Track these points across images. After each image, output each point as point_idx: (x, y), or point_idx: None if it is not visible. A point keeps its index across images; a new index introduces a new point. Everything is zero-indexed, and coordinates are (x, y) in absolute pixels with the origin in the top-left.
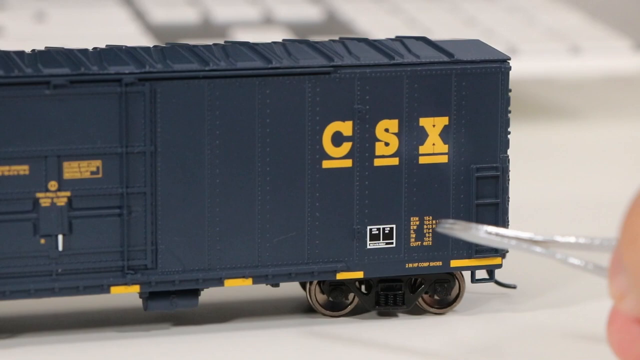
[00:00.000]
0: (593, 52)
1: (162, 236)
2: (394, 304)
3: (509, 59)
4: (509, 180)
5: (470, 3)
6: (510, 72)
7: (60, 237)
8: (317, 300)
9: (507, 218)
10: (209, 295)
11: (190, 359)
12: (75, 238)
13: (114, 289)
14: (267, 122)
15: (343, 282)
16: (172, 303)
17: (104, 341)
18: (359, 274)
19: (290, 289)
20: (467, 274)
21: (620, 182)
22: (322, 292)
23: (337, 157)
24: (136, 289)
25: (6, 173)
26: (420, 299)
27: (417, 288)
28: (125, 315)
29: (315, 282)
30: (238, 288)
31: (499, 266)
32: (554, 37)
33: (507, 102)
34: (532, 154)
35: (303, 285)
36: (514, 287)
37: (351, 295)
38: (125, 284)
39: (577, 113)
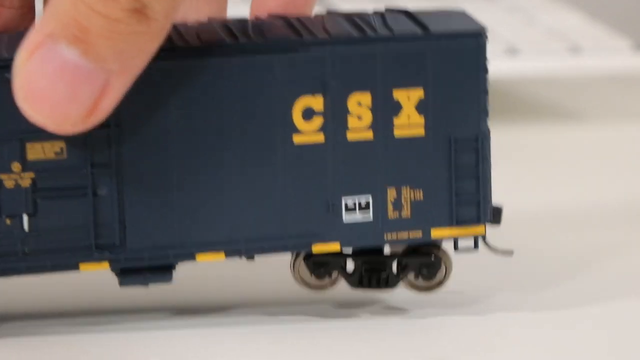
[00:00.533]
0: (593, 52)
1: (130, 213)
2: (377, 285)
3: (485, 31)
4: (489, 151)
5: (470, 3)
6: (510, 71)
7: (25, 218)
8: (301, 276)
9: (489, 189)
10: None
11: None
12: (41, 218)
13: (83, 266)
14: (236, 98)
15: (327, 261)
16: (145, 279)
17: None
18: (335, 246)
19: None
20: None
21: (620, 182)
22: (307, 269)
23: (308, 132)
24: (105, 266)
25: None
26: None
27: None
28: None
29: (300, 258)
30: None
31: (483, 236)
32: (554, 37)
33: (485, 72)
34: (531, 154)
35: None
36: (510, 253)
37: (335, 273)
38: (94, 261)
39: (577, 113)
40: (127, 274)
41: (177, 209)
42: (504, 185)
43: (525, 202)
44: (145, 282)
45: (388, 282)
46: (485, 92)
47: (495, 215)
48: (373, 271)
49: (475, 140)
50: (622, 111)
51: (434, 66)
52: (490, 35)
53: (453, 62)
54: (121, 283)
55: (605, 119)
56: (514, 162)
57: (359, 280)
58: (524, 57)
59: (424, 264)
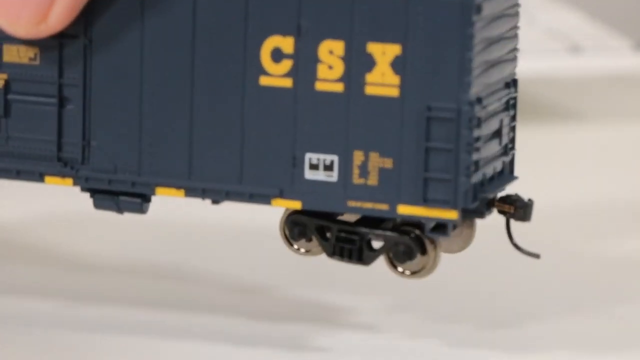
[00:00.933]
0: (593, 52)
1: (95, 132)
2: (349, 257)
3: None
4: (471, 125)
5: None
6: None
7: None
8: (285, 233)
9: (469, 169)
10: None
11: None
12: (12, 122)
13: (48, 179)
14: (208, 30)
15: (304, 222)
16: (118, 204)
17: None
18: (297, 204)
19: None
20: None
21: (620, 182)
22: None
23: (276, 75)
24: (69, 182)
25: None
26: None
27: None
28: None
29: (286, 214)
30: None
31: (454, 221)
32: (554, 37)
33: (470, 38)
34: (531, 154)
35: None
36: (537, 256)
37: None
38: (58, 175)
39: (577, 113)
40: (101, 196)
41: (142, 137)
42: None
43: None
44: (118, 208)
45: (361, 257)
46: (469, 58)
47: (521, 210)
48: (346, 241)
49: (452, 111)
50: (622, 111)
51: (414, 22)
52: None
53: (436, 20)
54: (95, 205)
55: (605, 119)
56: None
57: (333, 249)
58: (524, 57)
59: (398, 242)
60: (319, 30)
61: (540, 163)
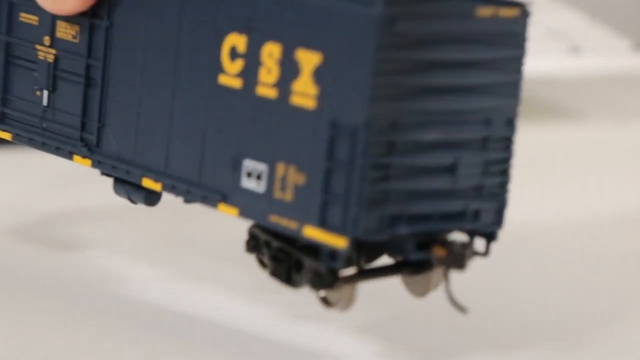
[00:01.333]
0: (593, 52)
1: (107, 116)
2: (281, 278)
3: (394, 4)
4: (370, 150)
5: None
6: None
7: (45, 93)
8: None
9: (366, 193)
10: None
11: None
12: (56, 98)
13: (75, 158)
14: (186, 22)
15: (255, 234)
16: (131, 194)
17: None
18: (234, 211)
19: None
20: None
21: (620, 182)
22: None
23: (231, 74)
24: (89, 163)
25: (24, 20)
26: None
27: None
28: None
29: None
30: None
31: (344, 251)
32: (554, 37)
33: (373, 53)
34: (531, 154)
35: None
36: (464, 311)
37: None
38: (80, 155)
39: (577, 113)
40: (118, 182)
41: (136, 126)
42: None
43: (525, 202)
44: (130, 197)
45: (290, 279)
46: (374, 74)
47: (455, 257)
48: (280, 261)
49: (350, 131)
50: (622, 111)
51: (333, 32)
52: None
53: (349, 32)
54: (114, 189)
55: (605, 119)
56: (513, 162)
57: (272, 268)
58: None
59: (312, 268)
60: (263, 31)
61: (539, 163)
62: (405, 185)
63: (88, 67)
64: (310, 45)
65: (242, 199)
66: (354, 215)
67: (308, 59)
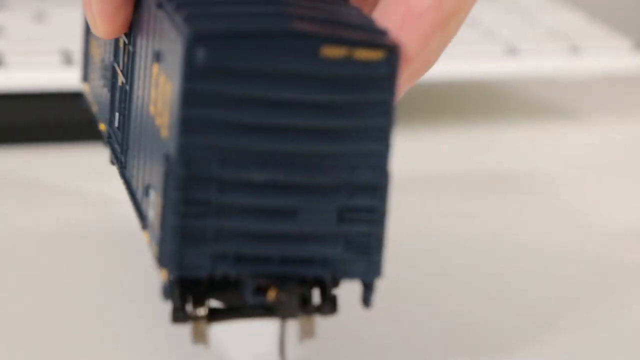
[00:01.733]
0: (593, 52)
1: (128, 130)
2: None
3: (198, 39)
4: (196, 178)
5: None
6: (510, 71)
7: (117, 115)
8: None
9: (173, 232)
10: None
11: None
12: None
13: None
14: (149, 46)
15: None
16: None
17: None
18: (147, 238)
19: None
20: None
21: (620, 182)
22: None
23: (152, 101)
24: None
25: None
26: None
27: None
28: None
29: None
30: None
31: (165, 285)
32: (554, 37)
33: (189, 82)
34: (531, 154)
35: None
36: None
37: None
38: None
39: (577, 113)
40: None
41: (126, 141)
42: (504, 185)
43: (525, 202)
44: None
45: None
46: (184, 105)
47: (281, 302)
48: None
49: (170, 162)
50: (622, 111)
51: (171, 59)
52: (490, 35)
53: (175, 59)
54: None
55: (605, 119)
56: (513, 162)
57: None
58: (524, 57)
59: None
60: (162, 60)
61: (539, 163)
62: (231, 223)
63: (124, 92)
64: (166, 74)
65: (148, 225)
66: (168, 249)
67: (166, 89)
